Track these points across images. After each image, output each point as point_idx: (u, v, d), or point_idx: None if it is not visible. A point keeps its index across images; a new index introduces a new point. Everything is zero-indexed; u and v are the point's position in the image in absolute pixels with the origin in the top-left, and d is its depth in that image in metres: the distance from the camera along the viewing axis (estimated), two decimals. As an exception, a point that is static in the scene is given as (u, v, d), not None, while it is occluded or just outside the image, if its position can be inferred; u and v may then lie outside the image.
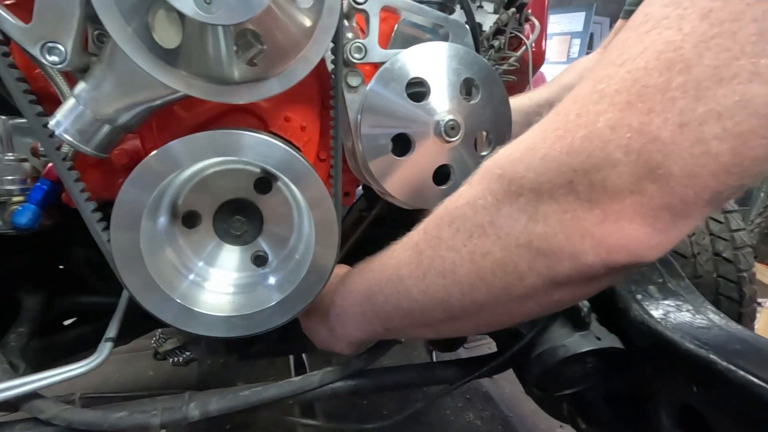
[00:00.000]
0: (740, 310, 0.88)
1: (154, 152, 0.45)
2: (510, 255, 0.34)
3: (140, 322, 0.91)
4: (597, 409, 0.58)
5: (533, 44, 1.32)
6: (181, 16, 0.37)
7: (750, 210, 2.87)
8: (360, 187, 0.73)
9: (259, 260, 0.56)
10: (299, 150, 0.63)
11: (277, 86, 0.46)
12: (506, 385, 1.69)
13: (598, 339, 0.51)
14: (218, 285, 0.51)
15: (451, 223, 0.38)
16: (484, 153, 0.55)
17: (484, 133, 0.55)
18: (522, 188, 0.32)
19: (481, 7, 1.16)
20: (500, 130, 0.55)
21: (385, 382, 0.61)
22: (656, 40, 0.27)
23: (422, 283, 0.40)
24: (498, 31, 1.23)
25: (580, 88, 0.32)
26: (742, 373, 0.39)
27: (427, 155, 0.52)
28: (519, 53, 1.22)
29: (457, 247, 0.37)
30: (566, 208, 0.30)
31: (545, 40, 1.50)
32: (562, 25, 5.48)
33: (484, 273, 0.36)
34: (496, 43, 1.17)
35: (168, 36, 0.40)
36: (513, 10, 1.10)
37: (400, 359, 1.80)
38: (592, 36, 5.37)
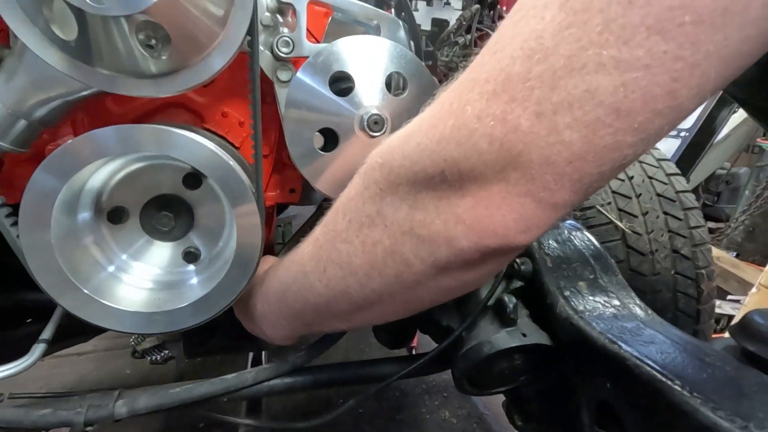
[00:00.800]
0: (698, 307, 0.88)
1: (69, 141, 0.44)
2: (396, 243, 0.34)
3: (83, 323, 0.92)
4: (531, 406, 0.58)
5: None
6: (72, 7, 0.36)
7: (735, 208, 2.88)
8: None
9: (190, 256, 0.55)
10: (236, 147, 0.63)
11: (193, 78, 0.45)
12: (484, 384, 1.69)
13: (524, 335, 0.50)
14: (138, 279, 0.51)
15: (344, 215, 0.38)
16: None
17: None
18: (400, 177, 0.33)
19: (448, 3, 1.17)
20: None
21: (321, 379, 0.60)
22: (523, 28, 0.27)
23: (323, 277, 0.41)
24: (468, 28, 1.23)
25: (460, 76, 0.31)
26: (648, 368, 0.39)
27: (353, 151, 0.52)
28: (488, 50, 1.22)
29: (350, 238, 0.37)
30: (441, 195, 0.31)
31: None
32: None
33: (377, 262, 0.36)
34: (461, 40, 1.17)
35: (67, 28, 0.39)
36: (477, 6, 1.10)
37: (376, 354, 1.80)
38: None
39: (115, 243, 0.53)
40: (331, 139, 0.53)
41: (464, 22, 1.09)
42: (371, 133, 0.49)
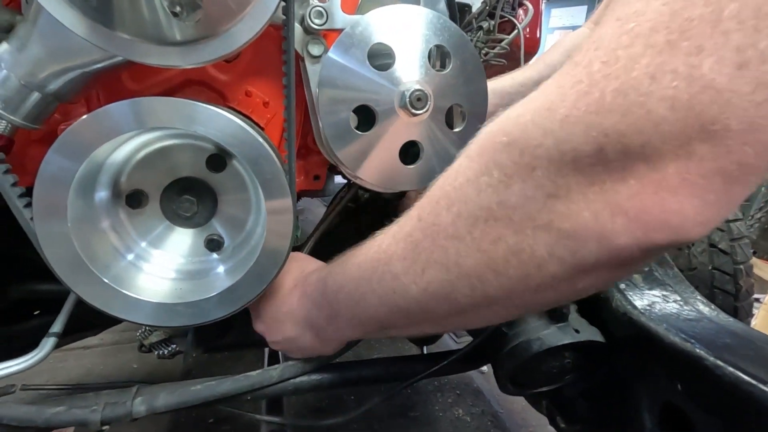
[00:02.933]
0: (736, 303, 0.83)
1: (84, 117, 0.40)
2: (525, 240, 0.28)
3: (96, 316, 0.88)
4: (576, 407, 0.54)
5: (527, 30, 1.27)
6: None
7: (751, 204, 2.82)
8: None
9: (213, 244, 0.51)
10: (261, 128, 0.59)
11: (221, 48, 0.41)
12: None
13: (577, 332, 0.46)
14: (160, 269, 0.47)
15: (449, 206, 0.32)
16: (457, 129, 0.51)
17: (458, 109, 0.51)
18: (537, 159, 0.27)
19: (471, -14, 1.12)
20: (475, 104, 0.50)
21: (349, 377, 0.57)
22: None
23: (421, 280, 0.35)
24: (490, 14, 1.18)
25: (601, 31, 0.25)
26: (731, 369, 0.35)
27: (392, 130, 0.48)
28: (510, 37, 1.17)
29: (460, 234, 0.31)
30: (592, 179, 0.25)
31: (540, 27, 1.46)
32: (564, 19, 5.40)
33: (495, 263, 0.30)
34: (485, 25, 1.12)
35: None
36: (502, -9, 1.05)
37: (390, 352, 1.77)
38: (593, 29, 5.30)
39: (134, 229, 0.49)
40: (365, 119, 0.49)
41: (487, 7, 1.04)
42: (413, 111, 0.45)
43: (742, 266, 0.84)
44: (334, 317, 0.46)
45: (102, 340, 1.77)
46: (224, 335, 0.83)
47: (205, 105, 0.43)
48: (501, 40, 1.12)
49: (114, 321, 0.94)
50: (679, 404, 0.40)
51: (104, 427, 0.49)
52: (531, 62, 0.73)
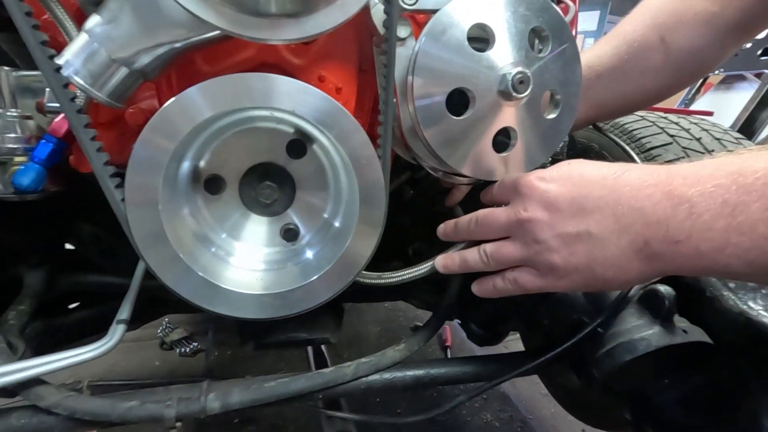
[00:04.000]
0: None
1: (175, 97, 0.38)
2: None
3: (148, 307, 0.86)
4: (669, 413, 0.51)
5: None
6: None
7: None
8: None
9: (290, 234, 0.49)
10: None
11: (326, 21, 0.39)
12: (524, 386, 1.62)
13: (685, 332, 0.43)
14: (244, 260, 0.45)
15: None
16: (551, 117, 0.48)
17: (554, 95, 0.48)
18: None
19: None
20: (569, 90, 0.48)
21: (423, 377, 0.54)
22: None
23: None
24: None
25: None
26: None
27: (487, 116, 0.45)
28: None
29: None
30: None
31: (576, 28, 1.43)
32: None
33: None
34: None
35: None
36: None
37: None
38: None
39: (212, 216, 0.47)
40: (459, 105, 0.47)
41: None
42: (515, 94, 0.43)
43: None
44: (685, 227, 0.34)
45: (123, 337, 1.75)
46: (271, 332, 0.80)
47: (303, 84, 0.41)
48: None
49: (160, 313, 0.91)
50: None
51: (177, 424, 0.46)
52: (606, 37, 0.66)
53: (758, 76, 2.66)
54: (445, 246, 0.54)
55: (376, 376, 0.54)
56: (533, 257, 0.41)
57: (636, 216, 0.36)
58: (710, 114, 2.64)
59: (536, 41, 0.47)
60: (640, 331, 0.44)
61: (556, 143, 0.49)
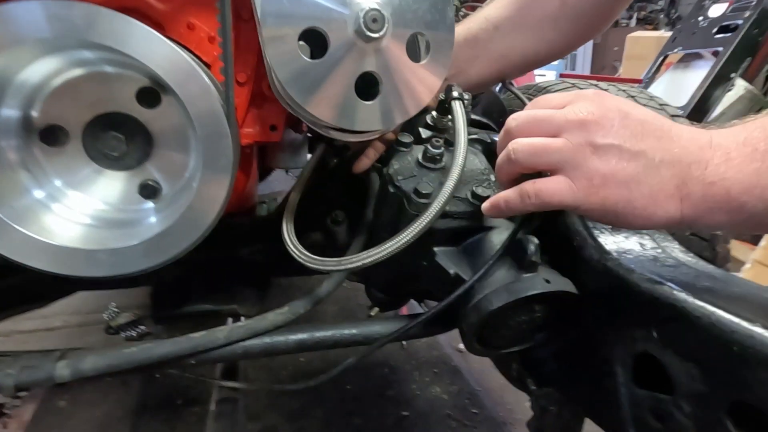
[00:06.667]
0: (713, 270, 0.82)
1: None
2: None
3: (54, 284, 0.80)
4: (547, 367, 0.50)
5: None
6: None
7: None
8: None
9: (148, 190, 0.46)
10: (207, 65, 0.53)
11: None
12: (475, 360, 1.64)
13: (548, 282, 0.42)
14: (75, 211, 0.41)
15: None
16: (422, 62, 0.46)
17: (422, 38, 0.45)
18: None
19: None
20: (439, 34, 0.45)
21: (305, 340, 0.52)
22: None
23: None
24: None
25: None
26: (712, 309, 0.32)
27: (346, 58, 0.42)
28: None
29: None
30: None
31: None
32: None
33: None
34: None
35: None
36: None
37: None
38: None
39: (55, 170, 0.43)
40: (318, 48, 0.44)
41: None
42: (369, 34, 0.40)
43: (719, 232, 0.82)
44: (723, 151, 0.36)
45: (65, 321, 1.69)
46: (182, 302, 0.77)
47: (142, 25, 0.37)
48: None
49: (57, 293, 0.85)
50: (655, 353, 0.36)
51: (21, 393, 0.43)
52: None
53: (715, 54, 2.70)
54: (359, 211, 0.51)
55: (255, 341, 0.51)
56: (580, 161, 0.38)
57: (684, 154, 0.37)
58: (639, 82, 2.70)
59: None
60: (502, 283, 0.43)
61: (429, 92, 0.47)
